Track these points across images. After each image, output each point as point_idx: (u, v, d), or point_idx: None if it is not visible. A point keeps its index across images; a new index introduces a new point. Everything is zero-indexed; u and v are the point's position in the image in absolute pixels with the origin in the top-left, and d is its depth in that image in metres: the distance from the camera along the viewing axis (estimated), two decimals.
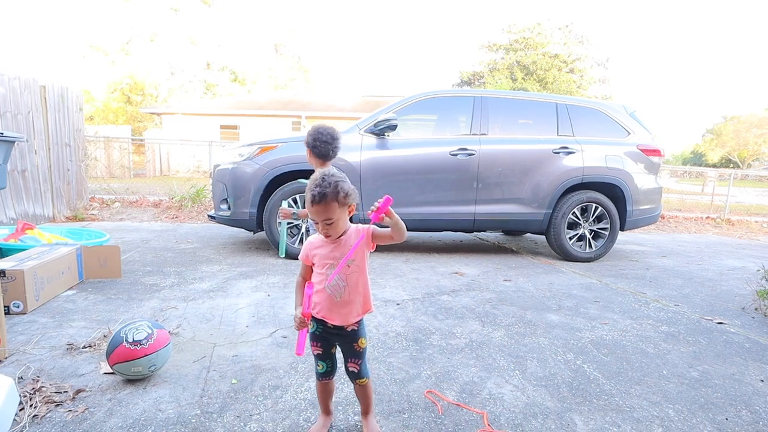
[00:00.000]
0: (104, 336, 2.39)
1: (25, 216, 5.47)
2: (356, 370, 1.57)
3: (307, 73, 36.15)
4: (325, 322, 1.52)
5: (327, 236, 1.45)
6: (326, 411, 1.67)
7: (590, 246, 4.86)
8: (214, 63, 31.58)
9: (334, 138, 2.69)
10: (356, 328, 1.55)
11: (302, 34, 35.33)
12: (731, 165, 34.87)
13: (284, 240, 2.81)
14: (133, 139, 12.93)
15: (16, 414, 1.66)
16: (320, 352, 1.58)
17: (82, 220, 6.39)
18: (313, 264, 1.52)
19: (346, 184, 1.43)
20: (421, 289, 3.53)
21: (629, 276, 4.31)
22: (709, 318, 3.13)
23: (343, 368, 1.62)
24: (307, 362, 2.20)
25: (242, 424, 1.67)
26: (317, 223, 1.42)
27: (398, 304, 3.15)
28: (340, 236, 1.47)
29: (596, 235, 4.89)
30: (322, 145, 2.66)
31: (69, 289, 3.20)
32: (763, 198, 13.14)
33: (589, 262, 4.81)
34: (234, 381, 1.99)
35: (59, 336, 2.40)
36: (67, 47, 28.30)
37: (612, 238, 4.89)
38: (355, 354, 1.56)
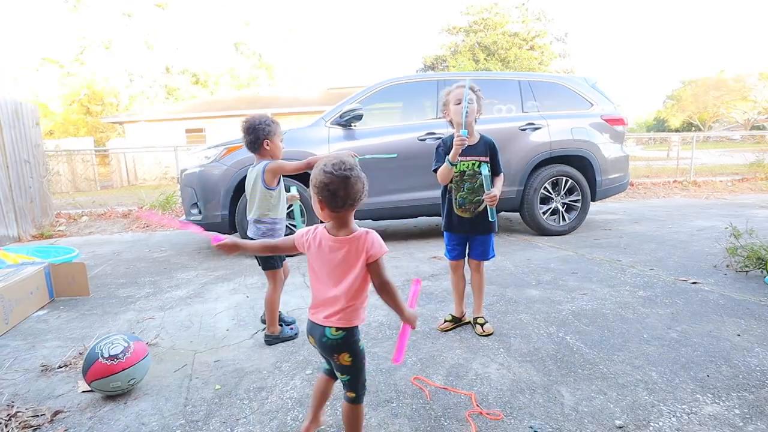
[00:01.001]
0: (80, 354, 2.31)
1: None
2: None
3: (269, 70, 35.44)
4: None
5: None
6: (315, 417, 1.54)
7: (564, 219, 4.93)
8: (174, 66, 30.65)
9: (248, 130, 2.39)
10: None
11: (261, 30, 34.41)
12: (693, 128, 36.00)
13: (299, 213, 2.72)
14: (96, 151, 12.48)
15: None
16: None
17: (50, 237, 6.14)
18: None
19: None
20: (401, 276, 3.52)
21: (604, 245, 4.40)
22: (684, 279, 3.22)
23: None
24: (291, 360, 2.16)
25: (229, 429, 1.63)
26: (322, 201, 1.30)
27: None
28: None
29: (569, 208, 4.96)
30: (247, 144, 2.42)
31: (40, 308, 3.07)
32: (725, 158, 13.60)
33: (564, 234, 4.89)
34: (217, 387, 1.94)
35: (33, 358, 2.30)
36: (19, 61, 26.99)
37: (584, 210, 4.98)
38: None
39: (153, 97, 29.68)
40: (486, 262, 2.49)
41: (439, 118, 4.63)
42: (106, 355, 1.86)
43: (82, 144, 16.41)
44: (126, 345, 1.92)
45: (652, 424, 1.56)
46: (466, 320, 2.52)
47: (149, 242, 5.50)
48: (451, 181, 2.35)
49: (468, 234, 2.42)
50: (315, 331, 1.37)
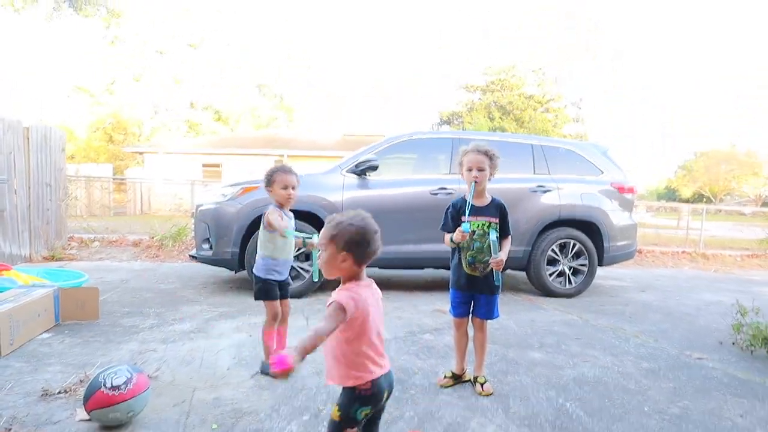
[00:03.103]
0: (80, 381, 2.33)
1: (1, 256, 5.33)
2: None
3: (289, 112, 36.76)
4: None
5: None
6: None
7: (570, 282, 4.94)
8: (198, 102, 31.95)
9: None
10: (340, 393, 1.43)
11: (285, 74, 35.95)
12: (704, 200, 36.12)
13: (316, 262, 2.76)
14: (114, 179, 12.86)
15: None
16: None
17: (60, 259, 6.24)
18: (357, 313, 1.34)
19: None
20: (404, 328, 3.52)
21: (609, 312, 4.38)
22: (688, 353, 3.20)
23: None
24: (289, 405, 2.17)
25: None
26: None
27: None
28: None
29: (575, 271, 4.98)
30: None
31: (45, 331, 3.11)
32: (736, 232, 13.59)
33: (570, 297, 4.88)
34: (214, 426, 1.95)
35: (34, 381, 2.32)
36: (52, 89, 28.31)
37: (591, 274, 4.99)
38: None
39: (175, 130, 30.73)
40: (489, 321, 2.52)
41: (453, 174, 4.78)
42: (109, 385, 1.88)
43: (101, 170, 16.93)
44: (129, 376, 1.95)
45: None
46: (467, 378, 2.51)
47: (157, 272, 5.57)
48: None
49: (474, 293, 2.46)
50: (389, 379, 1.44)
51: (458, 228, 2.30)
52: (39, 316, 3.08)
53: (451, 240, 2.36)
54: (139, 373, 2.01)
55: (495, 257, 2.27)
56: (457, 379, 2.49)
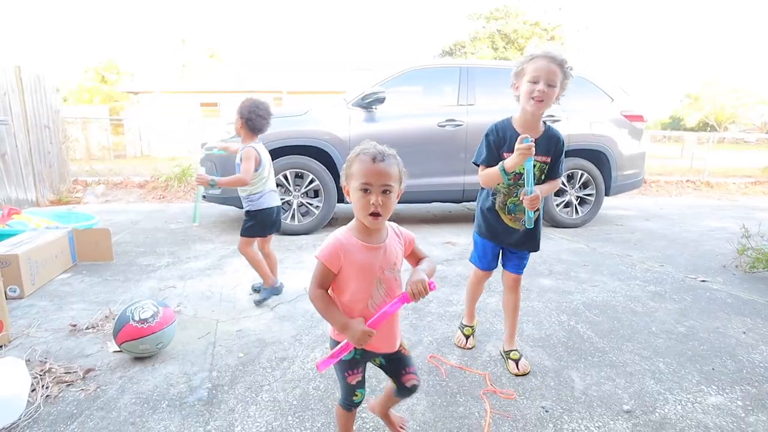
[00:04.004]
0: (105, 317, 2.41)
1: (8, 201, 5.34)
2: (417, 381, 1.33)
3: (289, 46, 35.18)
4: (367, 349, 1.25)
5: (376, 214, 1.14)
6: None
7: (577, 212, 4.96)
8: (190, 39, 30.49)
9: (269, 114, 2.63)
10: (403, 351, 1.34)
11: (285, 4, 33.96)
12: (708, 128, 35.41)
13: (199, 206, 2.75)
14: (112, 120, 12.57)
15: (28, 395, 1.68)
16: (360, 379, 1.29)
17: (67, 203, 6.26)
18: (338, 271, 1.20)
19: None
20: None
21: (615, 240, 4.44)
22: (693, 276, 3.27)
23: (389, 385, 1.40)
24: (311, 334, 2.25)
25: (254, 395, 1.72)
26: (366, 191, 1.14)
27: None
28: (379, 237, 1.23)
29: (582, 201, 4.98)
30: (257, 119, 2.58)
31: (63, 272, 3.18)
32: (740, 160, 13.44)
33: (577, 227, 4.92)
34: (241, 354, 2.03)
35: (60, 318, 2.40)
36: (43, 33, 26.95)
37: (598, 204, 5.00)
38: (408, 367, 1.33)
39: (170, 69, 29.61)
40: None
41: (460, 104, 4.63)
42: (137, 319, 1.95)
43: (97, 112, 16.51)
44: (156, 310, 2.01)
45: (658, 410, 1.63)
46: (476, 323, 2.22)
47: (166, 213, 5.60)
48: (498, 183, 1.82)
49: (511, 247, 1.93)
50: None
51: (519, 143, 1.60)
52: (56, 257, 3.13)
53: (502, 171, 1.70)
54: (165, 307, 2.06)
55: (530, 192, 1.66)
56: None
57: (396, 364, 1.33)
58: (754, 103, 34.89)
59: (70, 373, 1.88)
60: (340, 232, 1.23)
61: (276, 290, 2.74)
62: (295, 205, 4.34)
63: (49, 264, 3.02)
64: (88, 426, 1.53)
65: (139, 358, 1.99)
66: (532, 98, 1.67)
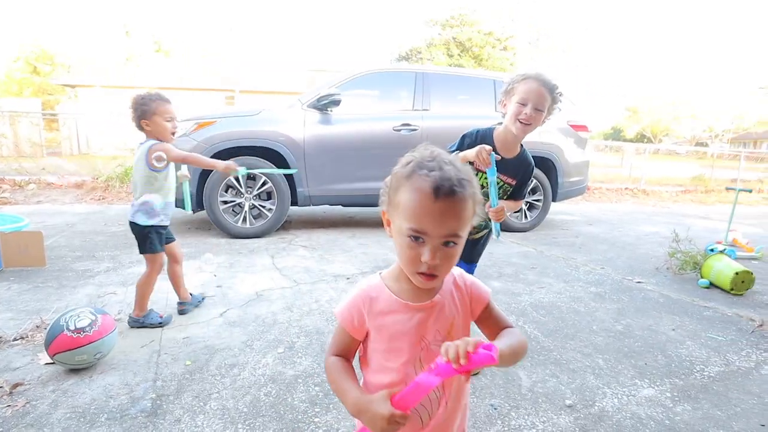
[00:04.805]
0: (37, 326, 2.23)
1: None
2: None
3: (243, 44, 34.31)
4: None
5: (431, 276, 0.78)
6: None
7: (526, 217, 5.16)
8: (134, 31, 29.05)
9: (131, 106, 2.25)
10: None
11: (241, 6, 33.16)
12: (645, 140, 38.02)
13: (188, 193, 2.66)
14: (45, 114, 11.71)
15: None
16: None
17: None
18: (366, 337, 0.87)
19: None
20: (370, 263, 3.59)
21: (561, 243, 4.66)
22: (630, 278, 3.48)
23: None
24: (263, 339, 2.20)
25: (202, 403, 1.65)
26: (417, 239, 0.76)
27: (348, 278, 3.20)
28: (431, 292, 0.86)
29: (531, 207, 5.19)
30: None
31: None
32: (672, 170, 14.53)
33: (525, 231, 5.12)
34: (188, 362, 1.95)
35: None
36: None
37: (545, 209, 5.22)
38: None
39: (112, 65, 28.05)
40: None
41: (416, 109, 4.70)
42: (72, 328, 1.82)
43: (27, 105, 15.31)
44: (93, 318, 1.89)
45: (597, 404, 1.73)
46: None
47: (106, 215, 5.28)
48: None
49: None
50: None
51: (486, 151, 1.60)
52: None
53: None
54: (104, 315, 1.95)
55: (494, 204, 1.67)
56: None
57: None
58: (686, 117, 37.79)
59: None
60: (373, 281, 0.89)
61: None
62: (246, 208, 4.23)
63: None
64: None
65: (75, 370, 1.86)
66: (519, 120, 1.66)
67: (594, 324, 2.53)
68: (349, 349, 0.88)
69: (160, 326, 2.31)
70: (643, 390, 1.84)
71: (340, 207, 4.76)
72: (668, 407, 1.72)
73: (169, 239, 2.43)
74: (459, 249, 0.78)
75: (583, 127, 5.48)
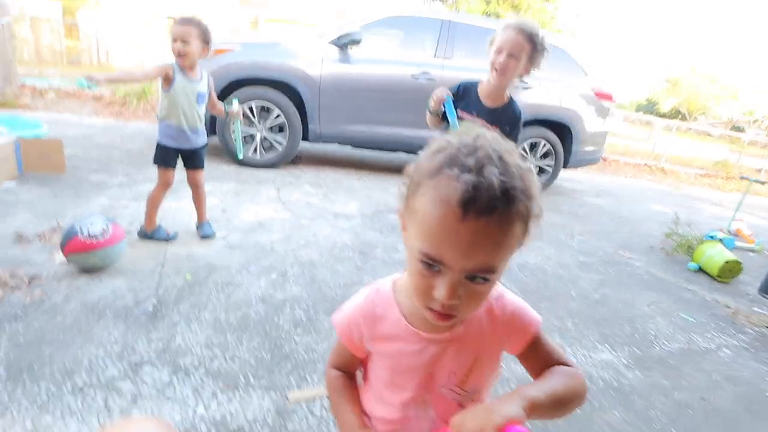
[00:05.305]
0: (53, 229, 2.41)
1: None
2: None
3: None
4: None
5: (446, 316, 0.57)
6: None
7: None
8: None
9: None
10: None
11: None
12: (679, 116, 36.51)
13: (240, 140, 2.73)
14: (66, 22, 11.55)
15: None
16: None
17: (13, 107, 5.89)
18: (366, 357, 0.75)
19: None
20: (371, 206, 3.70)
21: (564, 211, 4.70)
22: (622, 252, 3.57)
23: None
24: (258, 264, 2.36)
25: (197, 312, 1.83)
26: (431, 266, 0.54)
27: (348, 218, 3.32)
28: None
29: (540, 171, 5.18)
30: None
31: (7, 180, 3.09)
32: (698, 151, 14.12)
33: None
34: (188, 276, 2.12)
35: (5, 226, 2.39)
36: None
37: (555, 175, 5.22)
38: None
39: None
40: None
41: (437, 57, 4.61)
42: (86, 233, 1.98)
43: (48, 11, 15.03)
44: (105, 227, 2.04)
45: None
46: None
47: (122, 131, 5.40)
48: None
49: None
50: None
51: (438, 93, 1.71)
52: None
53: (428, 110, 1.80)
54: (115, 225, 2.10)
55: (455, 127, 1.68)
56: None
57: None
58: (726, 98, 36.03)
59: (15, 277, 1.92)
60: (383, 292, 0.70)
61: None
62: (258, 139, 4.30)
63: None
64: (33, 327, 1.61)
65: (87, 271, 2.04)
66: (495, 69, 1.66)
67: (573, 290, 2.65)
68: (351, 364, 0.77)
69: (166, 241, 2.47)
70: (602, 354, 1.98)
71: (350, 148, 4.80)
72: (620, 372, 1.87)
73: (194, 166, 2.54)
74: (491, 286, 0.57)
75: (608, 96, 5.33)
